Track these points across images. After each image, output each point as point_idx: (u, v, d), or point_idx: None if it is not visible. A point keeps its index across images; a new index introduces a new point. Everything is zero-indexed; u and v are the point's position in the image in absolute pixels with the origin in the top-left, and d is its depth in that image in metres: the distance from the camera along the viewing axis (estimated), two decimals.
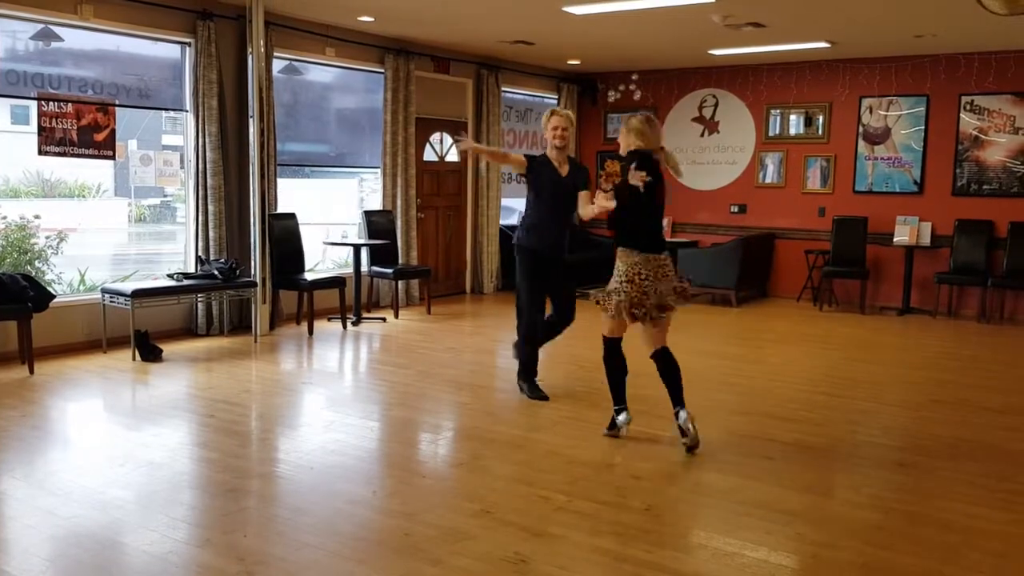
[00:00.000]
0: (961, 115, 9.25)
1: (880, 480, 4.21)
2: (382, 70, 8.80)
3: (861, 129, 9.82)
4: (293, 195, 8.45)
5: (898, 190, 9.63)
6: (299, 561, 3.19)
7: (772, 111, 10.36)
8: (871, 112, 9.74)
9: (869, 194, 9.78)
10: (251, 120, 7.43)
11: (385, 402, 5.65)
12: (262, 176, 7.44)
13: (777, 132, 10.36)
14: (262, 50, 7.34)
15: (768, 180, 10.43)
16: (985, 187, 9.20)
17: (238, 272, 7.13)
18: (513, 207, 11.53)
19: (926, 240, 9.38)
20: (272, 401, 5.62)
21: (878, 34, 8.27)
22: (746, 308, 9.63)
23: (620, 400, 4.78)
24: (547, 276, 5.66)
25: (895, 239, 9.45)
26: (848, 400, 5.73)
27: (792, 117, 10.28)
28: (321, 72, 8.76)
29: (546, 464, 4.34)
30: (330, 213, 9.54)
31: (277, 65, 7.96)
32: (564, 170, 5.47)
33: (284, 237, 7.72)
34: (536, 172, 5.46)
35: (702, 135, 10.92)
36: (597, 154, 11.71)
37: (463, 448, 4.77)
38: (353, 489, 3.96)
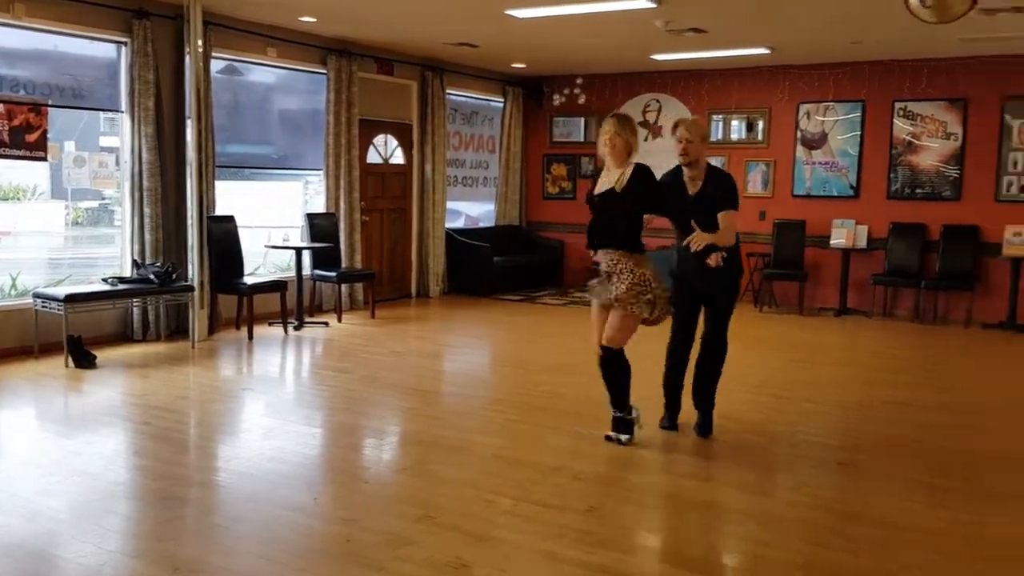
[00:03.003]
0: (895, 121, 9.50)
1: (820, 479, 4.29)
2: (324, 71, 8.71)
3: (799, 134, 10.01)
4: (238, 198, 8.33)
5: (835, 194, 9.84)
6: (236, 569, 3.12)
7: (714, 116, 10.51)
8: (809, 117, 9.94)
9: (807, 198, 9.97)
10: (189, 121, 7.29)
11: (327, 407, 5.58)
12: (200, 178, 7.30)
13: (719, 137, 10.50)
14: (200, 50, 7.20)
15: None
16: (918, 191, 9.45)
17: (175, 276, 6.98)
18: (460, 210, 11.52)
19: (862, 243, 9.60)
20: (210, 407, 5.50)
21: (816, 41, 8.45)
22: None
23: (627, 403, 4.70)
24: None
25: (832, 242, 9.65)
26: (788, 400, 5.82)
27: (734, 122, 10.44)
28: (264, 73, 8.63)
29: (491, 468, 4.32)
30: (276, 216, 9.39)
31: (216, 65, 7.82)
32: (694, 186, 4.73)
33: (223, 240, 7.58)
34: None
35: (646, 139, 10.98)
36: (543, 156, 11.75)
37: (407, 453, 4.74)
38: (294, 496, 3.89)
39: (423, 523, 3.54)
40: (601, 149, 4.54)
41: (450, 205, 11.16)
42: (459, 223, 11.41)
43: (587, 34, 8.27)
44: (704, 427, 4.88)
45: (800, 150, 10.02)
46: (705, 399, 4.93)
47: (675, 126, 4.76)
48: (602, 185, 4.56)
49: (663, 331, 4.89)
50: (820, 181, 9.94)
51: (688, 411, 4.96)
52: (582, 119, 11.38)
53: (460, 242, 10.48)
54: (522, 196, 11.74)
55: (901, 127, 9.48)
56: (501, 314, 9.31)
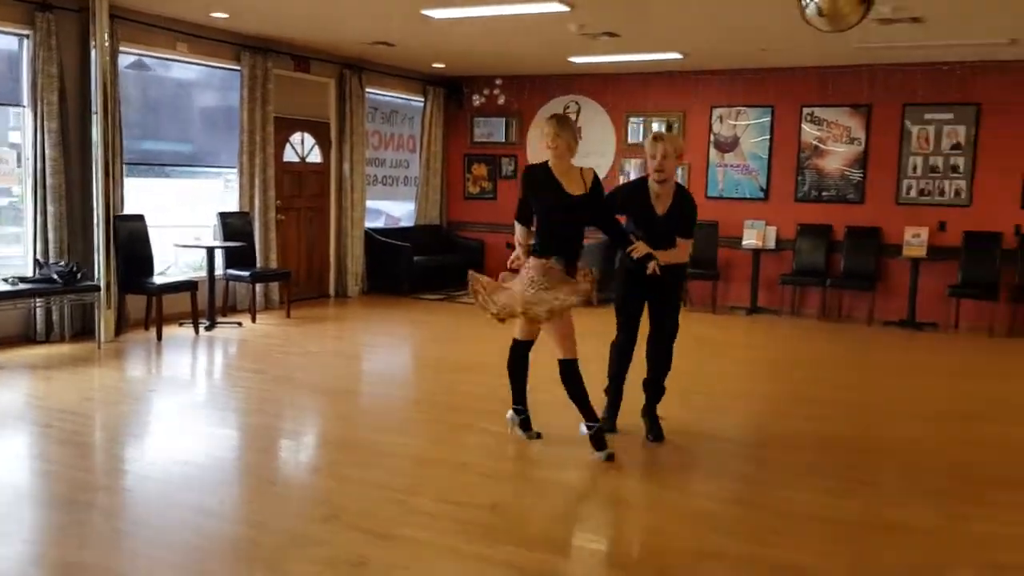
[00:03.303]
0: (802, 125, 9.83)
1: (726, 472, 4.42)
2: (238, 67, 8.57)
3: (713, 137, 10.27)
4: (154, 196, 8.15)
5: (746, 196, 10.13)
6: (137, 574, 3.07)
7: (631, 119, 10.70)
8: (721, 121, 10.21)
9: (720, 199, 10.23)
10: (95, 117, 7.09)
11: (236, 408, 5.52)
12: (107, 175, 7.11)
13: (637, 139, 10.69)
14: (106, 44, 7.02)
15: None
16: (824, 193, 9.79)
17: (79, 276, 6.78)
18: (381, 210, 11.46)
19: (772, 243, 9.90)
20: (116, 410, 5.38)
21: (725, 47, 8.68)
22: (608, 309, 9.86)
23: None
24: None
25: (744, 242, 9.93)
26: (698, 396, 5.97)
27: (653, 125, 10.63)
28: (179, 68, 8.44)
29: (399, 467, 4.34)
30: (194, 215, 9.15)
31: (125, 60, 7.63)
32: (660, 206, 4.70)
33: (131, 239, 7.40)
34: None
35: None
36: (464, 156, 11.78)
37: (316, 454, 4.72)
38: (201, 499, 3.84)
39: (329, 523, 3.54)
40: (544, 151, 4.46)
41: (371, 204, 11.10)
42: (380, 223, 11.35)
43: (504, 36, 8.34)
44: (656, 431, 4.78)
45: (713, 153, 10.28)
46: (656, 390, 4.88)
47: (654, 139, 4.64)
48: (575, 189, 4.42)
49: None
50: (732, 183, 10.21)
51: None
52: (503, 120, 11.44)
53: (379, 241, 10.44)
54: (443, 196, 11.75)
55: (808, 132, 9.81)
56: (420, 314, 9.31)
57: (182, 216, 8.79)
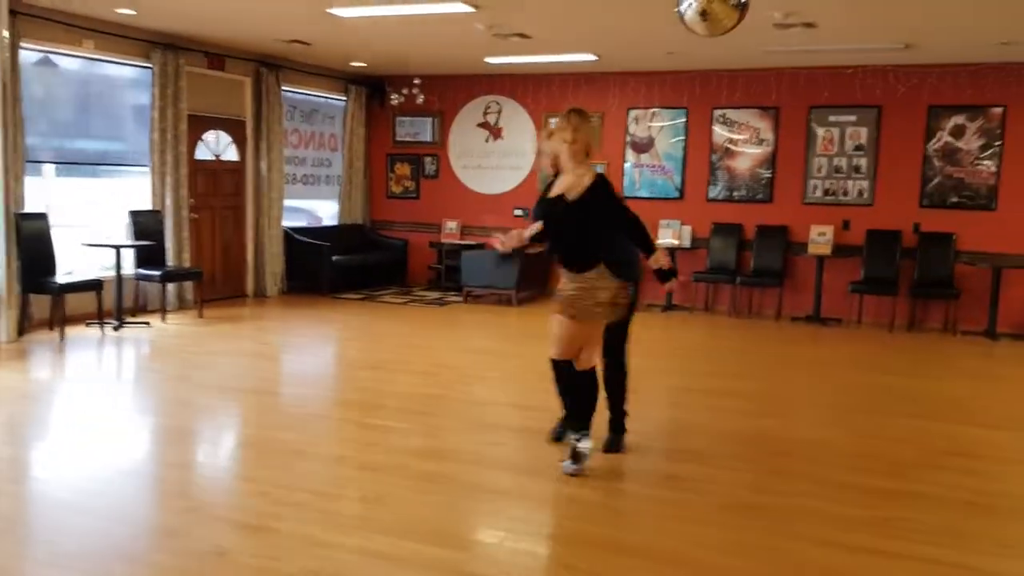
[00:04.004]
0: (714, 127, 10.06)
1: (604, 462, 4.51)
2: (149, 65, 8.49)
3: (629, 138, 10.46)
4: (67, 195, 8.05)
5: (662, 196, 10.33)
6: None
7: (551, 119, 10.83)
8: (637, 122, 10.40)
9: (637, 199, 10.40)
10: None
11: (127, 407, 5.49)
12: (6, 173, 7.00)
13: None
14: (6, 40, 6.91)
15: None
16: (736, 193, 10.04)
17: None
18: (306, 209, 11.42)
19: (687, 242, 10.12)
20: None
21: (635, 50, 8.85)
22: (526, 308, 10.00)
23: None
24: None
25: (659, 241, 10.09)
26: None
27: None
28: (90, 65, 8.30)
29: (275, 461, 4.37)
30: (109, 213, 8.99)
31: (30, 57, 7.52)
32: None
33: (33, 238, 7.29)
34: None
35: (487, 140, 11.25)
36: (387, 156, 11.80)
37: (193, 449, 4.71)
38: (73, 498, 3.83)
39: (189, 514, 3.57)
40: (555, 148, 4.15)
41: (295, 203, 11.07)
42: (303, 222, 11.32)
43: (419, 36, 8.39)
44: (617, 443, 4.62)
45: (630, 153, 10.46)
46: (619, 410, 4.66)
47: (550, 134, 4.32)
48: (573, 194, 4.09)
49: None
50: (648, 183, 10.41)
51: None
52: (430, 119, 11.48)
53: (299, 241, 10.41)
54: (366, 195, 11.76)
55: (720, 133, 10.05)
56: (337, 313, 9.32)
57: (106, 215, 8.61)
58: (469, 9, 6.91)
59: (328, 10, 7.14)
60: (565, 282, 4.19)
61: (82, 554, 3.24)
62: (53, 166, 8.11)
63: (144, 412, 5.39)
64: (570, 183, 4.13)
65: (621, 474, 4.37)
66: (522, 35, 8.05)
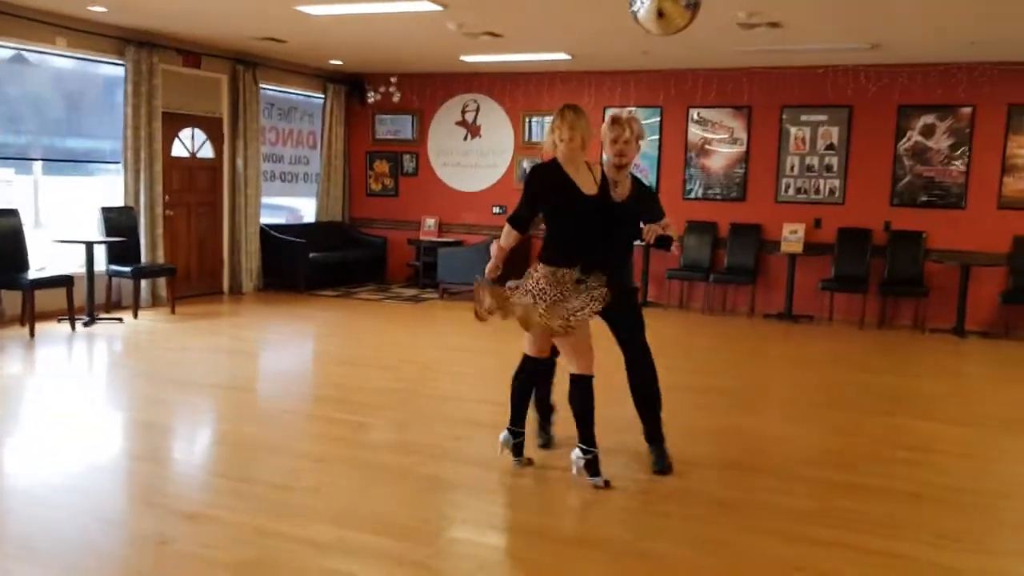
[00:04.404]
0: (689, 126, 10.14)
1: (550, 454, 4.57)
2: (122, 62, 8.51)
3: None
4: (46, 191, 8.08)
5: None
6: None
7: (527, 117, 10.90)
8: None
9: None
10: None
11: (92, 400, 5.52)
12: None
13: (534, 138, 10.89)
14: None
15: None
16: (710, 191, 10.12)
17: None
18: (281, 205, 11.45)
19: None
20: None
21: (609, 49, 8.91)
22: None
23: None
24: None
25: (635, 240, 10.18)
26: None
27: (547, 124, 10.83)
28: (65, 62, 8.32)
29: (230, 454, 4.44)
30: (85, 210, 9.00)
31: (2, 54, 7.54)
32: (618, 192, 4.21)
33: (4, 235, 7.32)
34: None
35: (465, 138, 11.30)
36: (366, 154, 11.84)
37: (148, 442, 4.72)
38: (34, 488, 3.87)
39: (136, 504, 3.62)
40: (557, 145, 3.98)
41: (275, 201, 11.11)
42: (283, 219, 11.35)
43: (390, 33, 8.43)
44: (663, 461, 4.32)
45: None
46: (654, 422, 4.40)
47: (613, 121, 4.20)
48: (589, 189, 4.01)
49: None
50: None
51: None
52: (410, 117, 11.52)
53: (276, 238, 10.44)
54: (345, 193, 11.80)
55: (695, 132, 10.12)
56: (312, 309, 9.35)
57: (82, 212, 8.64)
58: (437, 8, 6.96)
59: (297, 7, 7.18)
60: (554, 285, 3.92)
61: (27, 544, 3.28)
62: (26, 162, 8.14)
63: (107, 406, 5.42)
64: (592, 181, 4.03)
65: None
66: (493, 34, 8.10)
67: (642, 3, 4.86)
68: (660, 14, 4.87)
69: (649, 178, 10.34)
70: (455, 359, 7.14)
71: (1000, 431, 5.36)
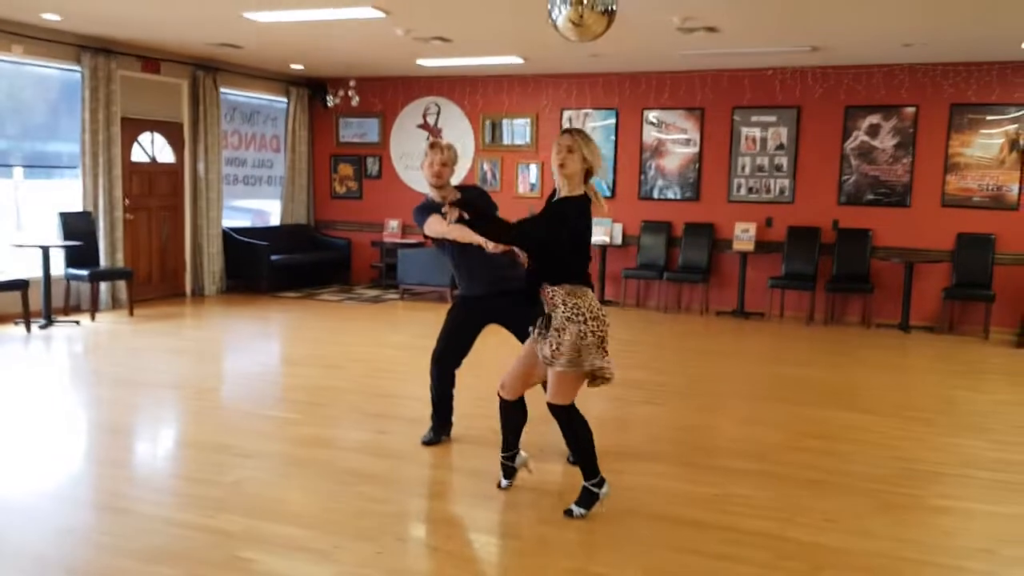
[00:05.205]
0: (644, 128, 10.32)
1: (478, 452, 4.74)
2: (78, 68, 8.64)
3: None
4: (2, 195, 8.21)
5: None
6: None
7: (487, 120, 11.07)
8: (571, 123, 10.64)
9: None
10: None
11: (29, 396, 5.65)
12: None
13: (492, 140, 11.07)
14: None
15: (487, 185, 11.10)
16: (665, 192, 10.31)
17: None
18: (249, 208, 11.58)
19: (618, 240, 10.38)
20: None
21: (558, 52, 9.07)
22: None
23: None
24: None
25: (593, 239, 10.35)
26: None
27: (504, 126, 11.02)
28: (24, 68, 8.44)
29: (158, 449, 4.60)
30: (42, 215, 9.13)
31: None
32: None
33: None
34: None
35: (427, 141, 11.43)
36: (331, 157, 12.00)
37: (77, 439, 4.85)
38: None
39: (53, 500, 3.77)
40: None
41: (240, 204, 11.26)
42: (248, 221, 11.49)
43: (344, 39, 8.56)
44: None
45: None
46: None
47: (430, 146, 4.53)
48: None
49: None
50: None
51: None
52: (376, 120, 11.68)
53: (238, 240, 10.58)
54: (310, 196, 11.95)
55: (649, 133, 10.31)
56: (270, 311, 9.50)
57: (40, 216, 8.78)
58: (379, 14, 7.11)
59: (243, 14, 7.32)
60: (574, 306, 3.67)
61: None
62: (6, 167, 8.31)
63: (43, 402, 5.56)
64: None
65: (491, 461, 4.59)
66: (442, 38, 8.27)
67: (560, 11, 5.05)
68: (577, 21, 5.05)
69: (606, 179, 10.52)
70: (398, 357, 7.29)
71: (915, 421, 5.54)
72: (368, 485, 4.14)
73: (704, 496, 4.06)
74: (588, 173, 3.86)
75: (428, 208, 4.56)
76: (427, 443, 4.71)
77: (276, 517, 3.66)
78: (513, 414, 3.99)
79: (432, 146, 4.65)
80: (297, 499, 3.91)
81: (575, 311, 3.66)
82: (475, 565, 3.40)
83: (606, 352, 3.70)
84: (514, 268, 4.42)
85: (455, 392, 4.79)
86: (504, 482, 4.08)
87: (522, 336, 4.19)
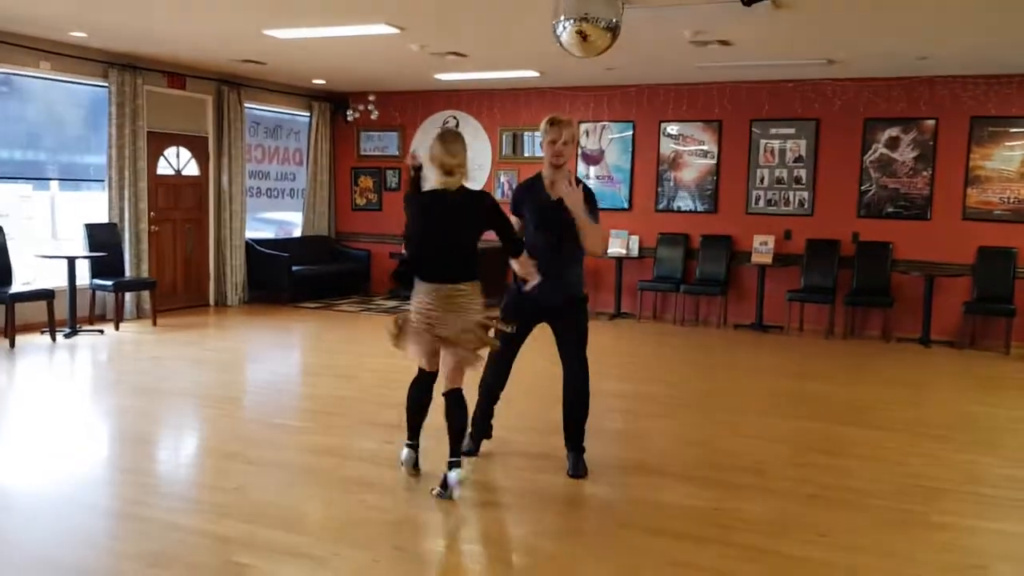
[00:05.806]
0: (661, 140, 10.35)
1: (480, 463, 4.79)
2: (106, 84, 8.86)
3: (580, 151, 10.75)
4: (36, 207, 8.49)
5: (611, 206, 10.60)
6: None
7: (504, 132, 11.16)
8: (588, 135, 10.70)
9: None
10: None
11: (49, 404, 5.80)
12: None
13: (510, 152, 11.16)
14: None
15: (504, 197, 11.17)
16: (682, 204, 10.32)
17: None
18: (273, 219, 11.77)
19: (635, 252, 10.40)
20: None
21: (574, 66, 9.12)
22: None
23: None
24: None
25: (609, 251, 10.40)
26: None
27: (524, 138, 11.10)
28: (51, 82, 8.68)
29: (168, 456, 4.69)
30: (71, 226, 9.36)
31: None
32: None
33: None
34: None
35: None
36: (351, 170, 12.16)
37: (91, 445, 4.98)
38: None
39: (69, 505, 3.88)
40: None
41: (264, 216, 11.45)
42: (271, 233, 11.68)
43: (363, 55, 8.72)
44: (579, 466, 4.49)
45: (581, 165, 10.76)
46: (576, 436, 4.52)
47: (550, 123, 4.28)
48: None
49: None
50: (598, 194, 10.61)
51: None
52: (396, 134, 11.82)
53: (260, 252, 10.75)
54: (331, 207, 12.12)
55: (667, 145, 10.33)
56: (291, 321, 9.64)
57: (70, 228, 9.03)
58: (394, 31, 7.23)
59: (264, 31, 7.48)
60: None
61: None
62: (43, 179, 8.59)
63: (61, 409, 5.70)
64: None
65: (494, 472, 4.65)
66: (457, 54, 8.37)
67: (564, 28, 5.13)
68: (582, 38, 5.13)
69: (622, 191, 10.56)
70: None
71: (927, 437, 5.50)
72: (371, 494, 4.21)
73: (701, 510, 4.07)
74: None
75: (528, 188, 4.48)
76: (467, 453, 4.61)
77: (277, 523, 3.74)
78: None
79: (552, 122, 4.28)
80: (299, 506, 3.98)
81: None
82: None
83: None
84: None
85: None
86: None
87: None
